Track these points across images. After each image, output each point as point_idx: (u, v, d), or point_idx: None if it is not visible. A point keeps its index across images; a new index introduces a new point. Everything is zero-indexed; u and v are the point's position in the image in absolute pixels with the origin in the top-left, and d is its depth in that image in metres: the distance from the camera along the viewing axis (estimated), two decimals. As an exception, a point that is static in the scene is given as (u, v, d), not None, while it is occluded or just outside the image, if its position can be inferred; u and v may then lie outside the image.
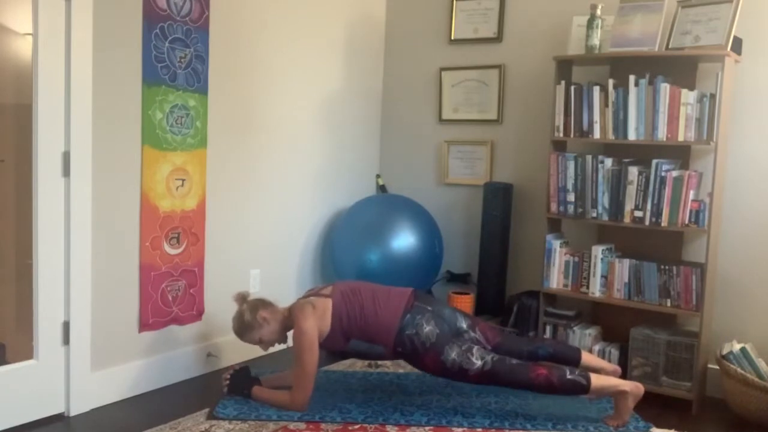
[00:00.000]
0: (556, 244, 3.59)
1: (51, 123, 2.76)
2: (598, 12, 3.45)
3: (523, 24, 4.05)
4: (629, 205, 3.37)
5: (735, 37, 3.20)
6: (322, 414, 2.91)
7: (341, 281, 3.20)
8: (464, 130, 4.28)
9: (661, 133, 3.27)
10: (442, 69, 4.32)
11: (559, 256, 3.59)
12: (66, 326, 2.87)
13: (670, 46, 3.32)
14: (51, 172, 2.78)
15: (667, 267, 3.30)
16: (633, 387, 2.87)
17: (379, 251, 3.81)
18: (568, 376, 2.82)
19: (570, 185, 3.53)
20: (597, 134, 3.44)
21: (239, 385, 3.06)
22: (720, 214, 3.36)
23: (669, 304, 3.30)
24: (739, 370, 3.09)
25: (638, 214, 3.35)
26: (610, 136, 3.40)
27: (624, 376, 3.20)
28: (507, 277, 4.01)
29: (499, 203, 3.93)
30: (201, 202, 3.37)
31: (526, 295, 3.80)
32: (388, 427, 2.83)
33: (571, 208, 3.54)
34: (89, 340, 2.95)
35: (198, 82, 3.29)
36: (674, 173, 3.27)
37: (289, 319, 3.01)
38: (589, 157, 3.48)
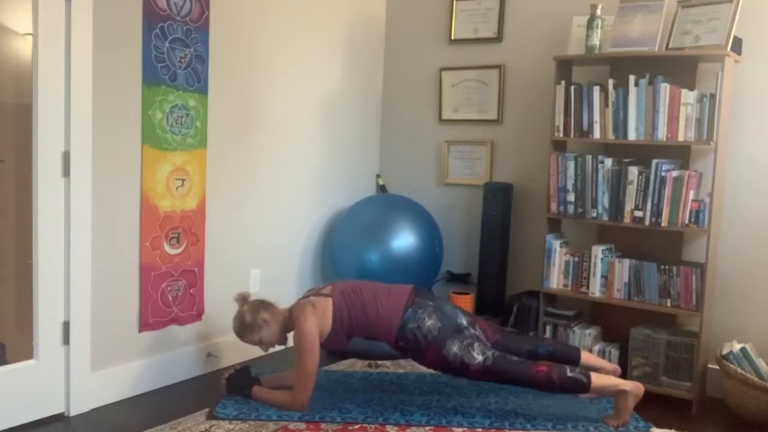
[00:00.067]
0: (556, 244, 3.59)
1: (51, 123, 2.76)
2: (598, 12, 3.45)
3: (523, 24, 4.05)
4: (629, 205, 3.37)
5: (735, 37, 3.20)
6: (322, 414, 2.91)
7: (341, 281, 3.20)
8: (464, 130, 4.28)
9: (661, 133, 3.27)
10: (442, 69, 4.32)
11: (559, 256, 3.59)
12: (66, 326, 2.87)
13: (670, 46, 3.32)
14: (51, 172, 2.78)
15: (667, 267, 3.30)
16: (633, 387, 2.87)
17: (379, 251, 3.81)
18: (569, 374, 2.82)
19: (570, 185, 3.53)
20: (597, 134, 3.44)
21: (239, 385, 3.06)
22: (720, 214, 3.36)
23: (669, 304, 3.30)
24: (739, 370, 3.09)
25: (638, 214, 3.35)
26: (610, 136, 3.40)
27: (624, 376, 3.20)
28: (507, 277, 4.01)
29: (499, 203, 3.93)
30: (201, 202, 3.37)
31: (526, 295, 3.80)
32: (388, 427, 2.83)
33: (571, 208, 3.54)
34: (89, 340, 2.95)
35: (198, 82, 3.29)
36: (674, 173, 3.27)
37: (290, 320, 3.01)
38: (589, 157, 3.48)
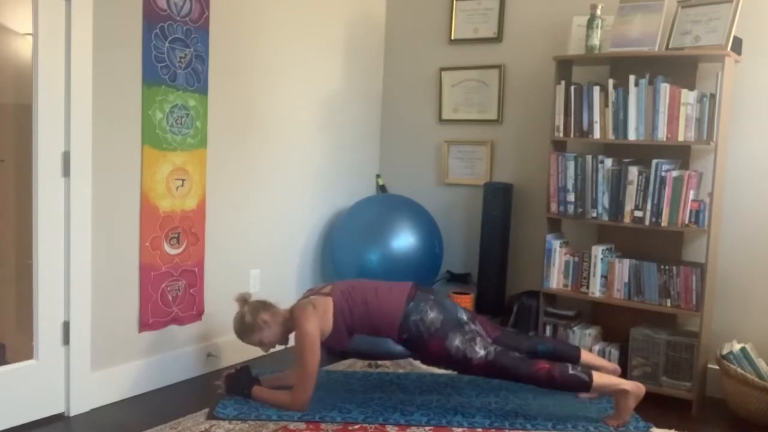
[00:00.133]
0: (556, 244, 3.59)
1: (51, 123, 2.76)
2: (598, 12, 3.45)
3: (523, 24, 4.05)
4: (629, 205, 3.37)
5: (735, 37, 3.20)
6: (322, 414, 2.91)
7: (340, 281, 3.20)
8: (464, 130, 4.28)
9: (661, 133, 3.27)
10: (442, 69, 4.32)
11: (559, 256, 3.59)
12: (66, 326, 2.87)
13: (670, 46, 3.32)
14: (51, 172, 2.78)
15: (667, 267, 3.30)
16: (634, 387, 2.86)
17: (379, 251, 3.81)
18: (571, 372, 2.81)
19: (570, 185, 3.53)
20: (597, 134, 3.44)
21: (239, 385, 3.06)
22: (720, 214, 3.36)
23: (669, 304, 3.30)
24: (739, 370, 3.09)
25: (638, 214, 3.35)
26: (610, 136, 3.40)
27: (624, 376, 3.20)
28: (507, 277, 4.01)
29: (499, 203, 3.93)
30: (201, 202, 3.37)
31: (526, 295, 3.80)
32: (388, 427, 2.83)
33: (571, 208, 3.54)
34: (89, 340, 2.95)
35: (198, 82, 3.29)
36: (674, 173, 3.27)
37: (291, 321, 3.01)
38: (589, 157, 3.48)
